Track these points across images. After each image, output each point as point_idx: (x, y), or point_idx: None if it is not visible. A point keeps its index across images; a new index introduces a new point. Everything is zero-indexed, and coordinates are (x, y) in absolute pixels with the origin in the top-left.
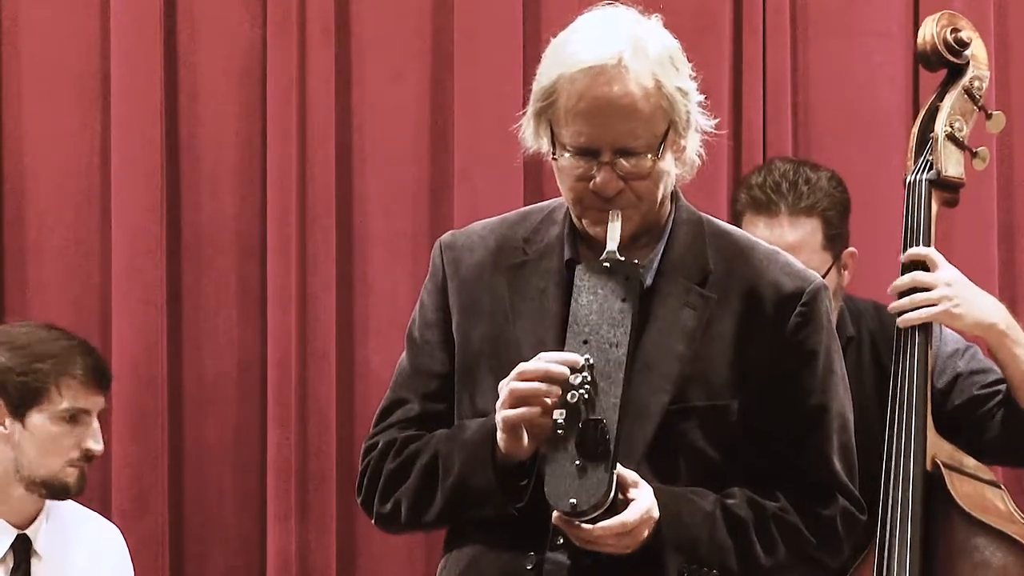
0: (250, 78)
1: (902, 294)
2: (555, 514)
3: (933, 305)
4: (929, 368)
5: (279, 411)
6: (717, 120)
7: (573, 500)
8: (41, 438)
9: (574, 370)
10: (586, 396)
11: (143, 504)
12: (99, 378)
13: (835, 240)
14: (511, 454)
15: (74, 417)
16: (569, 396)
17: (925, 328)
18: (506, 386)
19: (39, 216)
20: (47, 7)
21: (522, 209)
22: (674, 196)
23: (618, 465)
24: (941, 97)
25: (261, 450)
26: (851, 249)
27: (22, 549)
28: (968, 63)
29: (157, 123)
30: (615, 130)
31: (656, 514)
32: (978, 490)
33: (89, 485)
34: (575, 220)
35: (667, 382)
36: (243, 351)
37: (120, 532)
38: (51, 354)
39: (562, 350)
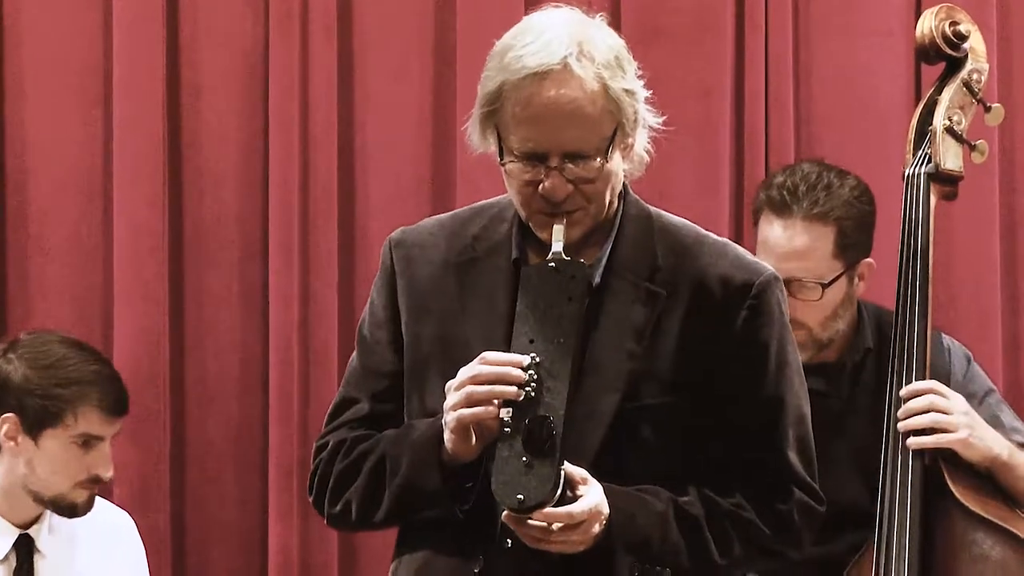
0: (252, 75)
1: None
2: (504, 512)
3: (950, 431)
4: (928, 363)
5: (281, 408)
6: (665, 117)
7: (520, 496)
8: (52, 459)
9: (521, 369)
10: (532, 394)
11: (145, 501)
12: (117, 408)
13: (848, 250)
14: (457, 455)
15: (87, 443)
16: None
17: (924, 321)
18: (455, 387)
19: (41, 213)
20: (49, 4)
21: (475, 205)
22: (623, 191)
23: (567, 463)
24: (940, 90)
25: (263, 447)
26: (869, 260)
27: (25, 548)
28: (967, 56)
29: (159, 120)
30: (562, 135)
31: (606, 511)
32: (977, 485)
33: None
34: (525, 220)
35: (618, 381)
36: (245, 348)
37: (129, 516)
38: (73, 380)
39: (510, 350)
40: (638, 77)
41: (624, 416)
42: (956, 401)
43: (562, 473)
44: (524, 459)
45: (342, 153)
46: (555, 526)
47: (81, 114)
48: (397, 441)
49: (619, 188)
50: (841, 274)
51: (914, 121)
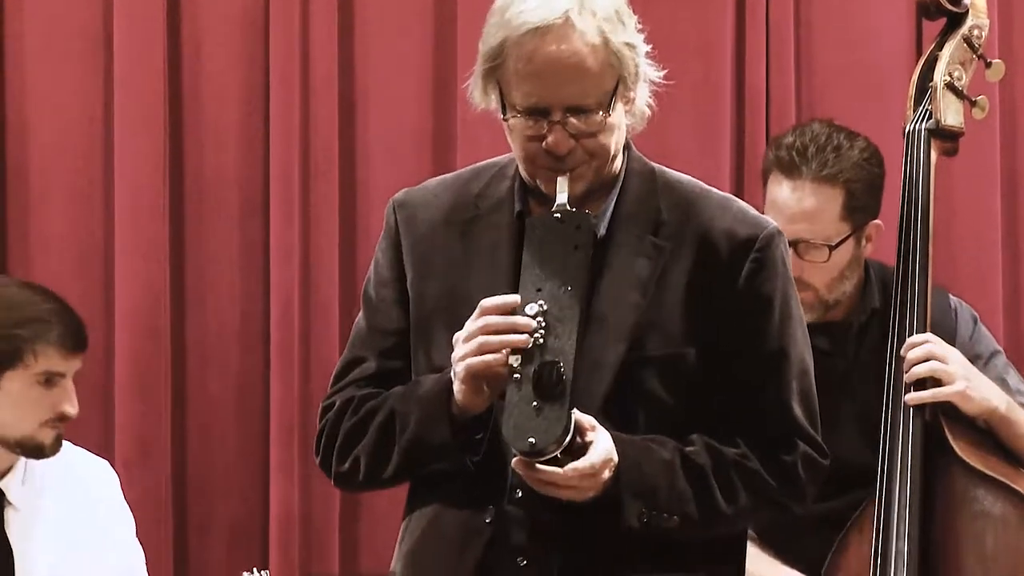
0: (253, 30)
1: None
2: (514, 459)
3: (948, 382)
4: (928, 319)
5: (282, 363)
6: (666, 71)
7: (532, 439)
8: (15, 400)
9: (529, 316)
10: (541, 340)
11: (146, 456)
12: (76, 342)
13: (856, 212)
14: (467, 407)
15: (49, 380)
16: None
17: (924, 277)
18: (463, 339)
19: (42, 169)
20: None
21: (476, 165)
22: (626, 147)
23: (576, 409)
24: (940, 46)
25: (264, 403)
26: (877, 222)
27: None
28: (967, 11)
29: (160, 76)
30: (565, 90)
31: (615, 458)
32: (978, 441)
33: (93, 436)
34: (527, 179)
35: (623, 333)
36: (246, 304)
37: (110, 466)
38: (30, 318)
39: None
40: (638, 31)
41: (629, 368)
42: (953, 353)
43: (572, 417)
44: (534, 403)
45: (343, 109)
46: (567, 470)
47: (82, 70)
48: (405, 397)
49: (622, 143)
50: (848, 236)
51: (915, 77)
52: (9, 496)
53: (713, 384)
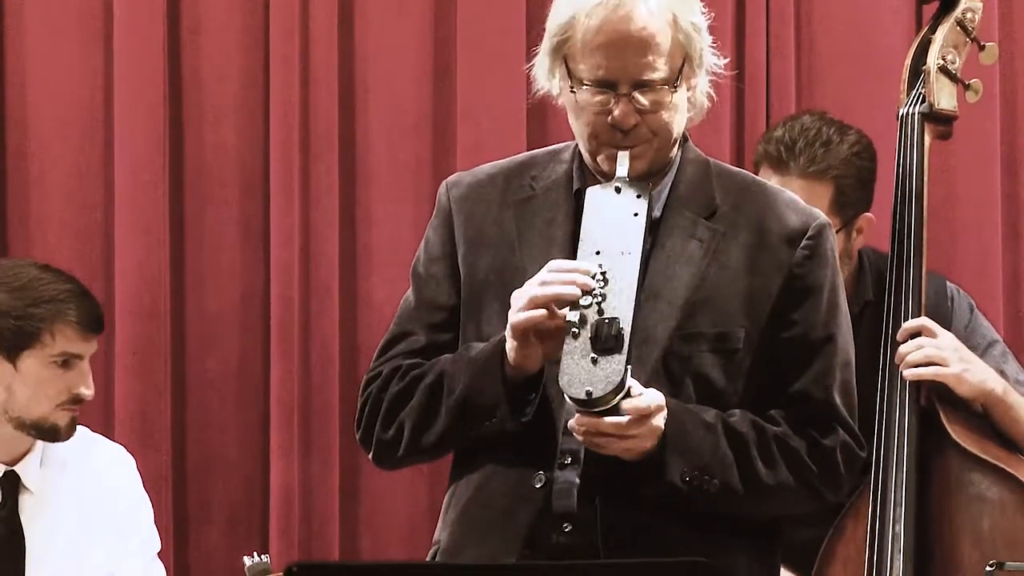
0: (253, 10)
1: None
2: (575, 417)
3: (944, 366)
4: (923, 302)
5: (282, 345)
6: (727, 60)
7: (589, 388)
8: (32, 381)
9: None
10: (600, 300)
11: (146, 438)
12: (93, 324)
13: (846, 207)
14: (520, 365)
15: (66, 362)
16: (582, 301)
17: (919, 260)
18: (522, 294)
19: (42, 149)
20: None
21: (527, 152)
22: (682, 139)
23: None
24: (934, 29)
25: (264, 384)
26: (869, 215)
27: (9, 485)
28: None
29: (160, 56)
30: (633, 63)
31: (664, 408)
32: (974, 426)
33: (93, 419)
34: (588, 158)
35: (674, 309)
36: (246, 285)
37: (127, 451)
38: (47, 298)
39: None
40: (704, 16)
41: (678, 343)
42: (945, 339)
43: (629, 371)
44: (591, 356)
45: (343, 89)
46: (625, 411)
47: (81, 50)
48: (455, 360)
49: (682, 128)
50: (837, 231)
51: (908, 61)
52: (25, 480)
53: (759, 366)
